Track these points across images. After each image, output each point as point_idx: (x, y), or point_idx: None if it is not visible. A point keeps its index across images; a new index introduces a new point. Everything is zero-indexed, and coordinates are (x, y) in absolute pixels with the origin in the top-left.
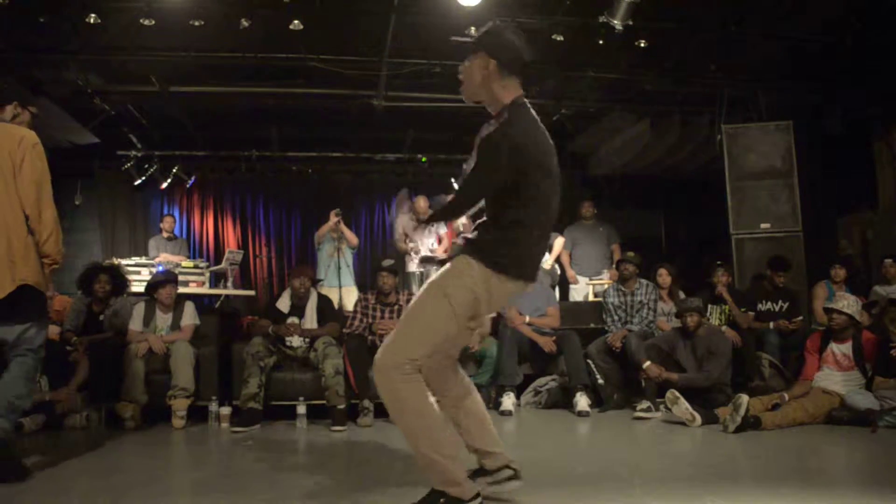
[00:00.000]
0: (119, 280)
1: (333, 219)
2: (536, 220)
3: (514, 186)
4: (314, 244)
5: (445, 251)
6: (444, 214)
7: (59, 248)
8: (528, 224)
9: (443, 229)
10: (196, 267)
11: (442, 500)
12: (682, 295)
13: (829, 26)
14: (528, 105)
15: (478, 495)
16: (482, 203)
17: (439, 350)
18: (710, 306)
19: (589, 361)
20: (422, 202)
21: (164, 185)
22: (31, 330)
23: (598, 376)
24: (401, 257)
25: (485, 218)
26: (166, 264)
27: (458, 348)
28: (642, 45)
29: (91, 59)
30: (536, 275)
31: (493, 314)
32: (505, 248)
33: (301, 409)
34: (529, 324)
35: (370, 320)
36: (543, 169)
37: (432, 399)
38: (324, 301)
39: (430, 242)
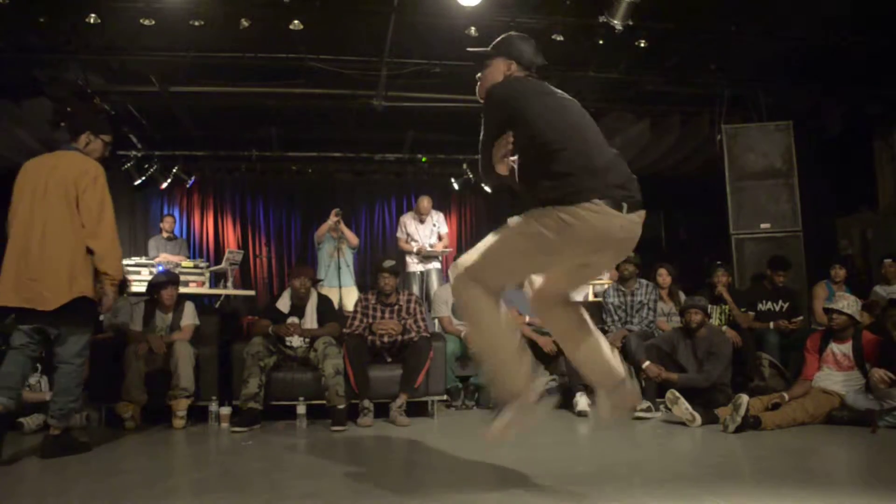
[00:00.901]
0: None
1: (333, 218)
2: (564, 138)
3: (519, 128)
4: (314, 244)
5: (445, 247)
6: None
7: (118, 266)
8: (558, 147)
9: (444, 228)
10: (196, 267)
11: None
12: (682, 295)
13: (829, 26)
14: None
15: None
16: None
17: (514, 277)
18: (709, 306)
19: None
20: (425, 202)
21: (164, 185)
22: (74, 336)
23: None
24: (401, 257)
25: (525, 180)
26: (166, 264)
27: (564, 287)
28: (642, 45)
29: (91, 59)
30: (631, 199)
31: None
32: (555, 185)
33: (301, 409)
34: (529, 324)
35: (370, 320)
36: (538, 97)
37: (500, 310)
38: (324, 301)
39: (431, 241)
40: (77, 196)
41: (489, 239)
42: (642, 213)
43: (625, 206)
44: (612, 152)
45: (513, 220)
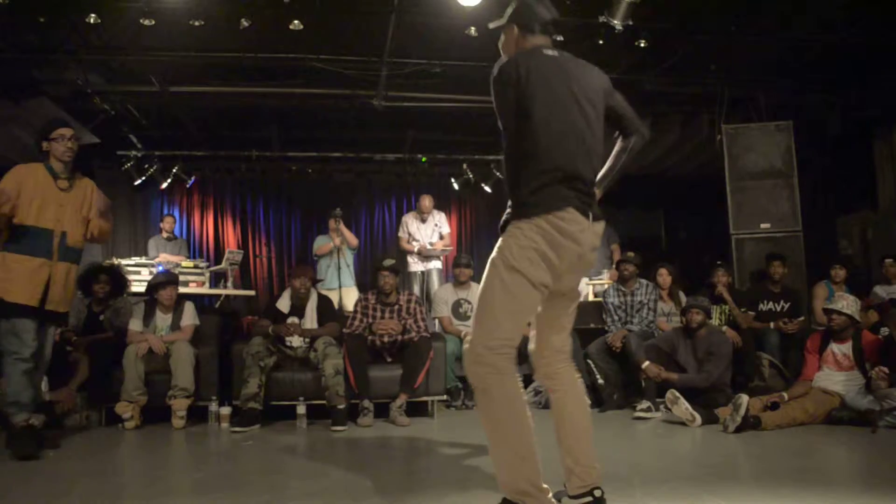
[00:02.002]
0: (119, 280)
1: (333, 227)
2: (549, 149)
3: (517, 127)
4: (313, 252)
5: (446, 247)
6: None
7: None
8: (540, 156)
9: (445, 228)
10: (196, 267)
11: None
12: (682, 295)
13: (829, 26)
14: (542, 48)
15: None
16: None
17: (526, 315)
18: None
19: (589, 361)
20: (426, 201)
21: (164, 185)
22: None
23: (598, 376)
24: (401, 257)
25: (509, 188)
26: (166, 264)
27: (558, 326)
28: (642, 45)
29: (91, 59)
30: (594, 209)
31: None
32: (534, 191)
33: (301, 409)
34: (528, 324)
35: (370, 320)
36: (543, 84)
37: (523, 397)
38: (324, 301)
39: (432, 241)
40: None
41: (487, 289)
42: (603, 223)
43: (590, 214)
44: (591, 159)
45: (494, 255)
